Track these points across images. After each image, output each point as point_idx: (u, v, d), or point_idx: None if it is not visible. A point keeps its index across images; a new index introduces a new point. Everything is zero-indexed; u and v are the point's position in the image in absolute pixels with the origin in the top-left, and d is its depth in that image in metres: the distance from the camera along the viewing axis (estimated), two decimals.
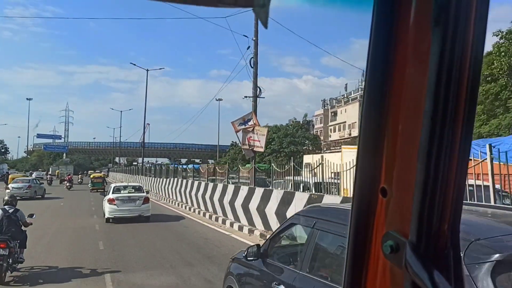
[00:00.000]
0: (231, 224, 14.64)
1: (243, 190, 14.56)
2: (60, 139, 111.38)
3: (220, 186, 17.00)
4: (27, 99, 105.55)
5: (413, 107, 0.67)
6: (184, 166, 32.00)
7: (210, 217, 16.89)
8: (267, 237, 5.07)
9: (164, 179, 28.34)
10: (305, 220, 4.21)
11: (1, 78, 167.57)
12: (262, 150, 17.38)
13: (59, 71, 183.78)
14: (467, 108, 0.63)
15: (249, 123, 16.72)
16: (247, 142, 16.73)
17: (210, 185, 18.37)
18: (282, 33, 78.39)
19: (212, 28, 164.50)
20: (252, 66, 16.96)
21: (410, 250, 0.66)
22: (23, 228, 7.94)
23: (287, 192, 11.85)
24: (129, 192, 16.57)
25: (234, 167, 21.23)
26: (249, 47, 17.37)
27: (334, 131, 69.13)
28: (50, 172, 59.55)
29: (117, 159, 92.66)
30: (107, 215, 15.71)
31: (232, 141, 74.87)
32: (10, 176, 33.47)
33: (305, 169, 14.26)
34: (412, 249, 0.65)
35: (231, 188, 15.81)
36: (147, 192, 18.30)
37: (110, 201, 15.72)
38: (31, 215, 8.33)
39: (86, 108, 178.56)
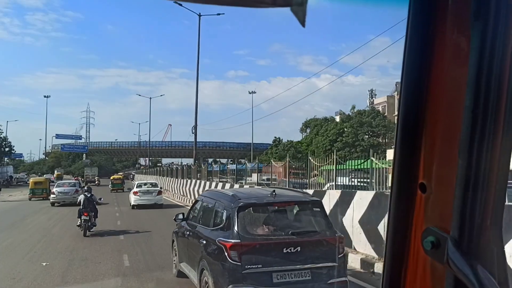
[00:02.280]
0: None
1: None
2: (81, 139, 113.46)
3: None
4: (45, 96, 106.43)
5: (453, 102, 0.71)
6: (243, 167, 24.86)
7: None
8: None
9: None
10: (200, 197, 8.13)
11: (25, 83, 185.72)
12: None
13: (80, 75, 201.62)
14: (509, 102, 0.66)
15: None
16: None
17: None
18: (299, 31, 78.37)
19: (228, 28, 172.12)
20: None
21: (452, 246, 0.70)
22: (96, 206, 15.04)
23: None
24: (147, 187, 25.33)
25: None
26: None
27: None
28: (55, 176, 60.90)
29: (142, 161, 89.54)
30: (132, 203, 24.23)
31: (275, 137, 67.87)
32: (31, 180, 35.82)
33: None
34: (454, 244, 0.70)
35: None
36: (161, 188, 27.13)
37: (135, 193, 24.50)
38: (99, 199, 15.55)
39: (107, 111, 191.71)
